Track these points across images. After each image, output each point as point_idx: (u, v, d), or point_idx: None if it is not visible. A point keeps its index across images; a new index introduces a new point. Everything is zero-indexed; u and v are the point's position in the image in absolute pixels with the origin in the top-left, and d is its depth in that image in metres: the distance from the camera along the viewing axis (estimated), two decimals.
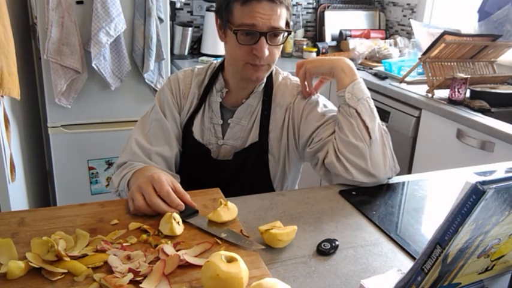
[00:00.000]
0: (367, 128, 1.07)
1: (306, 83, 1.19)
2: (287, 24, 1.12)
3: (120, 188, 1.09)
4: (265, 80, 1.21)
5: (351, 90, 1.10)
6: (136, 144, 1.15)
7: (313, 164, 1.19)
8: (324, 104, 1.20)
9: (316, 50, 2.91)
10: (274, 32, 1.08)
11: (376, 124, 1.09)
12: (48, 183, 2.62)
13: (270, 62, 1.12)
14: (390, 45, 2.86)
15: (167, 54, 2.21)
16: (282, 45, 1.14)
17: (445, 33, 2.10)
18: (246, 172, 1.22)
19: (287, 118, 1.20)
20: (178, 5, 2.77)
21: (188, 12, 2.91)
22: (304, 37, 3.09)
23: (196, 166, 1.23)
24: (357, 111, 1.08)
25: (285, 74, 1.27)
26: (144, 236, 0.82)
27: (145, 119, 1.22)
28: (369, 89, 1.16)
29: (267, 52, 1.08)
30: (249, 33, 1.07)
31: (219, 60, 1.27)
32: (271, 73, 1.23)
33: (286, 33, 1.11)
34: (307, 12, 3.18)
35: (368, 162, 1.06)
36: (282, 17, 1.08)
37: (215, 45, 2.65)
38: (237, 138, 1.21)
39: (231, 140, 1.21)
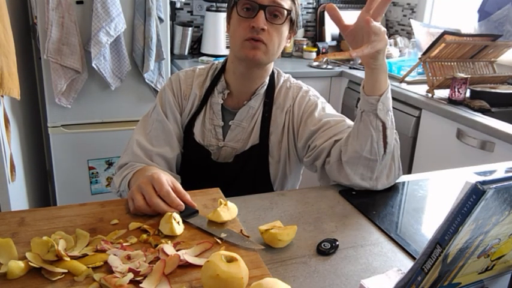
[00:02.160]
0: (386, 143, 1.01)
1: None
2: (290, 13, 1.11)
3: (121, 188, 1.09)
4: (267, 82, 1.21)
5: (384, 100, 0.98)
6: (138, 145, 1.15)
7: (313, 171, 1.19)
8: (323, 107, 1.19)
9: (316, 49, 2.91)
10: (274, 8, 1.07)
11: (393, 138, 1.04)
12: (48, 183, 2.62)
13: (268, 42, 1.09)
14: (390, 45, 2.86)
15: (167, 54, 2.21)
16: (282, 31, 1.11)
17: (445, 33, 2.10)
18: (247, 175, 1.21)
19: (287, 121, 1.20)
20: (178, 5, 2.77)
21: (188, 12, 2.91)
22: (304, 37, 3.09)
23: (197, 168, 1.23)
24: (383, 126, 1.00)
25: (286, 76, 1.26)
26: (144, 236, 0.82)
27: (147, 119, 1.21)
28: None
29: (264, 26, 1.07)
30: (250, 9, 1.08)
31: (221, 60, 1.27)
32: (273, 75, 1.23)
33: (286, 14, 1.10)
34: (307, 12, 3.18)
35: (374, 175, 1.04)
36: None
37: (215, 45, 2.65)
38: (237, 140, 1.21)
39: (231, 142, 1.21)
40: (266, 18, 1.07)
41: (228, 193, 1.02)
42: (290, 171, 1.24)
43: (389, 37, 3.06)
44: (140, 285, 0.68)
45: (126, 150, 1.17)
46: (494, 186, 0.52)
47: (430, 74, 2.14)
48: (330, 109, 1.20)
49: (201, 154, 1.22)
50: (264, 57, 1.11)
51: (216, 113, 1.21)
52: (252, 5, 1.07)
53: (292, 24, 1.15)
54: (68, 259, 0.73)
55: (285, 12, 1.09)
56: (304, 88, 1.23)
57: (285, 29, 1.13)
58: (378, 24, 0.89)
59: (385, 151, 1.02)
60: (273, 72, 1.23)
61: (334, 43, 3.01)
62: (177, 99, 1.22)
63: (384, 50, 0.93)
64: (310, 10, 3.18)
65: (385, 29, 0.92)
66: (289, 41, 1.19)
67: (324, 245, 0.83)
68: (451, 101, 1.96)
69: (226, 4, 1.18)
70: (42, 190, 2.51)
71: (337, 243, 0.84)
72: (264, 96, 1.21)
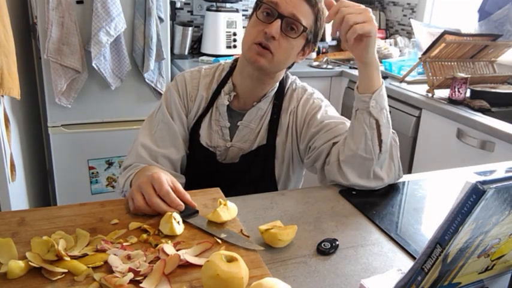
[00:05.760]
0: (380, 141, 1.03)
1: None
2: (305, 31, 1.08)
3: (124, 188, 1.10)
4: (277, 84, 1.20)
5: (377, 97, 1.01)
6: (143, 147, 1.14)
7: (314, 173, 1.20)
8: (326, 110, 1.19)
9: (316, 49, 2.91)
10: (291, 21, 1.06)
11: (389, 136, 1.06)
12: (48, 183, 2.62)
13: (276, 51, 1.07)
14: (390, 44, 2.86)
15: (167, 54, 2.21)
16: (294, 45, 1.10)
17: (445, 32, 2.10)
18: (252, 175, 1.22)
19: (291, 122, 1.20)
20: (178, 5, 2.77)
21: (188, 11, 2.91)
22: None
23: (202, 169, 1.23)
24: (377, 123, 1.02)
25: (293, 78, 1.27)
26: (144, 236, 0.82)
27: (152, 120, 1.20)
28: None
29: (276, 35, 1.05)
30: (269, 14, 1.07)
31: (228, 61, 1.26)
32: (283, 77, 1.22)
33: (302, 30, 1.07)
34: None
35: (371, 174, 1.05)
36: (306, 16, 1.07)
37: (215, 45, 2.65)
38: (245, 140, 1.21)
39: (239, 143, 1.21)
40: (281, 28, 1.06)
41: (233, 194, 1.02)
42: (293, 172, 1.25)
43: (389, 37, 3.06)
44: (140, 285, 0.68)
45: (131, 152, 1.17)
46: (494, 186, 0.52)
47: (430, 74, 2.14)
48: (332, 111, 1.20)
49: (206, 156, 1.21)
50: (268, 65, 1.10)
51: (222, 115, 1.21)
52: (272, 12, 1.06)
53: (308, 42, 1.13)
54: (68, 259, 0.73)
55: (302, 28, 1.07)
56: (308, 91, 1.23)
57: (298, 44, 1.11)
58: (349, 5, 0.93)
59: (380, 150, 1.03)
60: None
61: (334, 43, 3.01)
62: (182, 101, 1.21)
63: (373, 39, 0.95)
64: None
65: (369, 10, 0.94)
66: (302, 57, 1.17)
67: (324, 244, 0.83)
68: (451, 100, 1.96)
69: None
70: (42, 190, 2.51)
71: (337, 243, 0.84)
72: (273, 98, 1.21)
